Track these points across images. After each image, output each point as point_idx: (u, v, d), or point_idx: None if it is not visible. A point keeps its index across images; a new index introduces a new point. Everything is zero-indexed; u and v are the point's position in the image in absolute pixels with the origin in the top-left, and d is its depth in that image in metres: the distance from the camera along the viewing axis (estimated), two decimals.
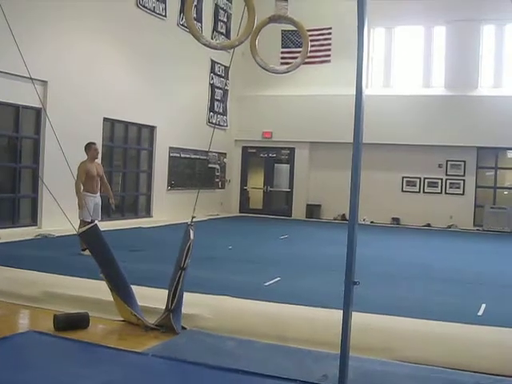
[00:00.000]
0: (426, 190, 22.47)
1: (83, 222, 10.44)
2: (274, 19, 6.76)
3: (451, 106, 21.54)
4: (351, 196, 3.73)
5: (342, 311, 4.08)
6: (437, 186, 22.32)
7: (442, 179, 22.33)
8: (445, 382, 5.03)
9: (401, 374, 5.18)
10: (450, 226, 21.64)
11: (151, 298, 6.79)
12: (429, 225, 21.91)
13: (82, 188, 10.98)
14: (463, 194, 22.11)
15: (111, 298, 6.49)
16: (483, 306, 7.63)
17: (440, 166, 22.25)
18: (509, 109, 20.61)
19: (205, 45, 6.20)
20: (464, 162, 22.10)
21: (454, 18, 21.68)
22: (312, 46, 20.24)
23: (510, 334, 6.10)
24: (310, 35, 20.01)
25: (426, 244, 16.31)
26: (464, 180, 22.13)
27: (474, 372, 5.23)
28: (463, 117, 21.27)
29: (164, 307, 6.23)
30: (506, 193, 22.44)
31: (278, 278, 9.20)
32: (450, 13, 21.60)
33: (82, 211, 10.83)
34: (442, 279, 10.05)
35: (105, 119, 16.85)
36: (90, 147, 11.40)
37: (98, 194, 11.29)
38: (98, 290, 6.88)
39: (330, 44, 21.55)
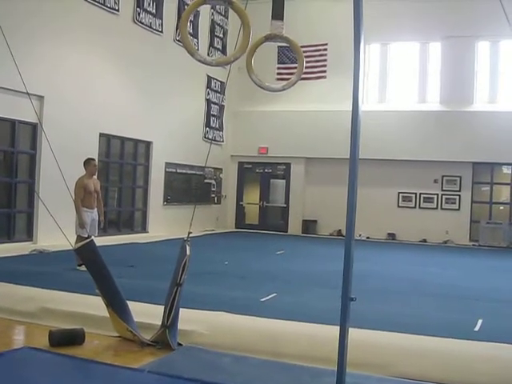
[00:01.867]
0: (421, 206, 22.51)
1: (80, 238, 10.41)
2: (269, 38, 6.79)
3: (446, 121, 21.62)
4: (348, 212, 3.73)
5: (338, 327, 4.07)
6: (433, 202, 22.36)
7: (437, 194, 22.37)
8: None
9: None
10: (445, 242, 21.64)
11: (147, 313, 6.76)
12: (425, 240, 21.90)
13: (83, 203, 11.01)
14: (459, 209, 22.14)
15: (107, 314, 6.46)
16: (480, 321, 7.62)
17: (436, 181, 22.30)
18: (504, 124, 20.69)
19: (199, 61, 6.21)
20: (460, 177, 22.16)
21: (449, 34, 21.81)
22: (308, 62, 20.36)
23: (506, 349, 6.09)
24: (306, 51, 20.39)
25: (422, 259, 16.29)
26: (460, 195, 22.17)
27: None
28: (458, 132, 21.34)
29: (160, 323, 6.20)
30: (501, 208, 22.49)
31: (275, 294, 9.17)
32: (445, 29, 21.76)
33: (80, 227, 10.84)
34: (439, 294, 10.03)
35: (101, 134, 16.86)
36: (89, 163, 11.40)
37: (96, 209, 11.29)
38: (94, 305, 6.85)
39: (325, 60, 21.66)
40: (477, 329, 7.32)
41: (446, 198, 22.29)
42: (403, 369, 5.60)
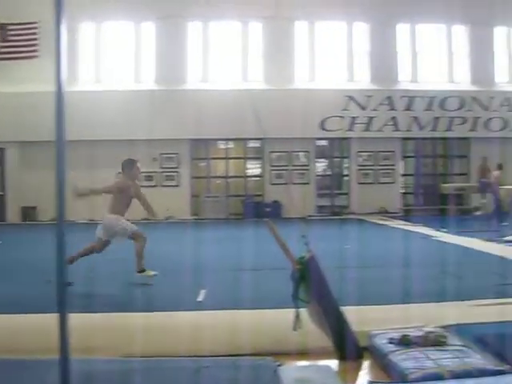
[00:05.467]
0: (142, 184, 22.50)
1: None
2: None
3: (162, 100, 21.94)
4: (57, 196, 3.56)
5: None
6: (152, 180, 22.58)
7: (157, 172, 22.67)
8: (169, 370, 5.10)
9: (127, 370, 5.12)
10: (167, 218, 22.03)
11: None
12: (147, 219, 21.95)
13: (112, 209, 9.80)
14: (179, 185, 22.71)
15: None
16: (203, 291, 7.88)
17: (154, 159, 22.56)
18: (216, 102, 21.58)
19: None
20: (177, 154, 22.71)
21: (163, 14, 22.10)
22: (16, 41, 19.40)
23: (227, 315, 6.39)
24: (13, 29, 19.33)
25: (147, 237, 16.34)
26: (178, 172, 22.75)
27: (198, 356, 5.36)
28: (174, 110, 21.81)
29: None
30: (218, 182, 23.55)
31: None
32: (158, 9, 21.95)
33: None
34: (161, 269, 10.04)
35: None
36: (133, 165, 10.24)
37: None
38: None
39: (36, 39, 20.71)
40: (200, 299, 7.58)
41: (166, 176, 22.74)
42: (133, 349, 5.56)
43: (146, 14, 22.39)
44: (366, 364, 5.45)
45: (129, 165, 10.21)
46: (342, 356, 5.33)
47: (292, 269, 5.28)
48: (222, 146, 24.16)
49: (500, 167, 19.30)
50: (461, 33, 24.46)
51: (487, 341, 5.49)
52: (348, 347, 5.25)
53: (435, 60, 24.49)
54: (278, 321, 5.80)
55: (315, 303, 5.15)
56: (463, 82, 24.30)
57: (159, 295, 7.89)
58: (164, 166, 22.71)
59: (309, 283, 5.08)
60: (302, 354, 5.52)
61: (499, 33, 24.66)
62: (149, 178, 22.52)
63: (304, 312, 5.29)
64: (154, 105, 21.86)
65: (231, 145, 24.24)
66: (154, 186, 22.46)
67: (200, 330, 5.93)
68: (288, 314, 5.37)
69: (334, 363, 5.33)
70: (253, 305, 6.73)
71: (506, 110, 23.93)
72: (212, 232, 17.77)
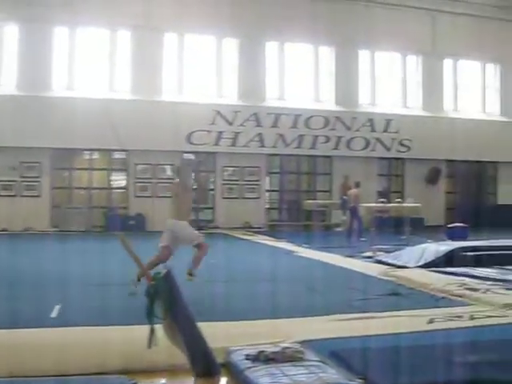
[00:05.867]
0: (0, 194, 21.60)
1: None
2: None
3: (24, 106, 21.05)
4: None
5: None
6: (11, 189, 21.62)
7: (17, 181, 21.71)
8: None
9: None
10: (26, 229, 21.13)
11: None
12: (5, 229, 21.00)
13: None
14: (39, 195, 21.87)
15: None
16: (57, 307, 7.55)
17: (13, 168, 21.59)
18: (82, 110, 20.93)
19: None
20: (39, 163, 21.88)
21: (26, 18, 21.28)
22: None
23: (80, 332, 6.14)
24: None
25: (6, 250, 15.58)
26: (40, 181, 21.92)
27: (50, 376, 5.08)
28: (37, 118, 21.00)
29: None
30: (81, 193, 22.92)
31: None
32: (21, 11, 21.09)
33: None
34: (15, 283, 9.60)
35: None
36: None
37: None
38: None
39: None
40: (54, 315, 7.25)
41: (26, 185, 21.83)
42: None
43: (8, 16, 21.44)
44: (223, 381, 5.37)
45: (185, 170, 10.21)
46: (198, 373, 5.20)
47: (147, 284, 5.12)
48: (87, 157, 23.55)
49: (357, 185, 19.85)
50: (327, 54, 25.19)
51: (343, 355, 5.56)
52: (205, 364, 5.14)
53: (302, 79, 25.09)
54: (133, 338, 5.60)
55: (170, 319, 5.01)
56: (328, 101, 25.04)
57: (9, 311, 7.43)
58: (24, 175, 21.77)
59: (164, 299, 4.94)
60: (158, 371, 5.39)
61: (363, 56, 25.58)
62: (7, 187, 21.58)
63: (159, 328, 5.13)
64: (15, 111, 20.93)
65: (96, 155, 23.68)
66: (14, 195, 21.57)
67: (50, 348, 5.63)
68: (144, 330, 5.18)
69: (190, 381, 5.21)
70: (107, 321, 6.51)
71: (368, 130, 24.89)
72: (71, 244, 17.16)
